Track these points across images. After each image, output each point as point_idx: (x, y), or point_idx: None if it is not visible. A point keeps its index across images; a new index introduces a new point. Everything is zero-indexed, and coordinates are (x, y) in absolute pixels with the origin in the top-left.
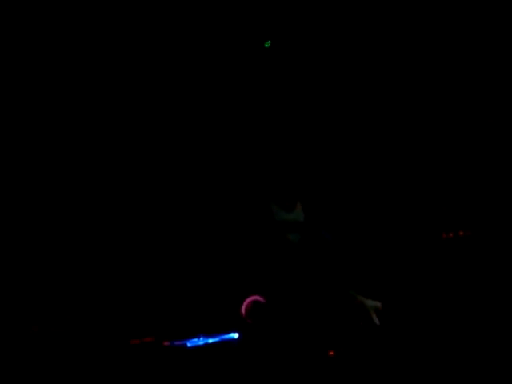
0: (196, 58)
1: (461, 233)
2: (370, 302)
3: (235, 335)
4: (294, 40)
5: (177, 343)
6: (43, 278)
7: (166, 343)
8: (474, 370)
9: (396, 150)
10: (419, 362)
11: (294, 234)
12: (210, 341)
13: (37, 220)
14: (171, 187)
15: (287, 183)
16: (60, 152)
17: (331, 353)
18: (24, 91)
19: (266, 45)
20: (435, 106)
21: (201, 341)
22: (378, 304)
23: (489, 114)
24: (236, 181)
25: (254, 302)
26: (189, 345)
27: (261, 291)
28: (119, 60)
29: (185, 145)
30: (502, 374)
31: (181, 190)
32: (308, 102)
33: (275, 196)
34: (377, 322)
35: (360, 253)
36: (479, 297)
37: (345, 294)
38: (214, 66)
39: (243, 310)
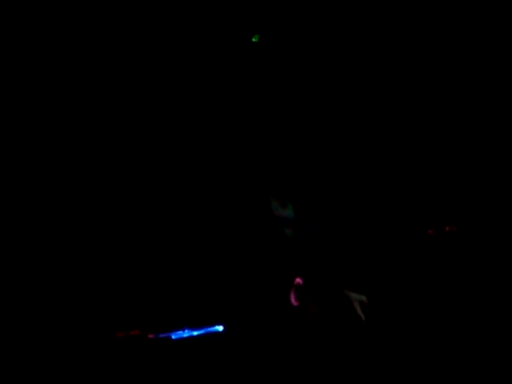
0: (189, 55)
1: (447, 228)
2: (354, 295)
3: (220, 328)
4: (286, 34)
5: (161, 336)
6: (29, 271)
7: (150, 336)
8: (464, 370)
9: (381, 148)
10: (407, 359)
11: (288, 229)
12: (195, 333)
13: (31, 217)
14: (168, 181)
15: (283, 179)
16: (60, 152)
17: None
18: (24, 91)
19: (254, 39)
20: (421, 107)
21: (186, 333)
22: (363, 297)
23: (473, 114)
24: (235, 175)
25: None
26: (173, 337)
27: (251, 284)
28: (118, 60)
29: (185, 140)
30: (488, 374)
31: (177, 184)
32: (298, 104)
33: (273, 191)
34: (361, 314)
35: (347, 249)
36: (467, 293)
37: (331, 289)
38: (206, 63)
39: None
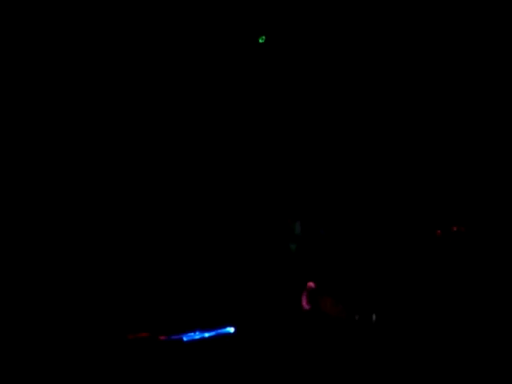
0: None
1: (454, 228)
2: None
3: (231, 329)
4: (290, 35)
5: (173, 337)
6: (38, 274)
7: (162, 338)
8: (470, 370)
9: (389, 152)
10: (413, 359)
11: (293, 243)
12: (207, 335)
13: (35, 216)
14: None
15: (290, 191)
16: (60, 152)
17: None
18: (24, 91)
19: (261, 40)
20: (424, 105)
21: (197, 335)
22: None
23: (476, 112)
24: (247, 191)
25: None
26: (185, 339)
27: (257, 288)
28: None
29: (195, 150)
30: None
31: (189, 191)
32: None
33: (298, 211)
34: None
35: (356, 250)
36: (475, 294)
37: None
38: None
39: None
